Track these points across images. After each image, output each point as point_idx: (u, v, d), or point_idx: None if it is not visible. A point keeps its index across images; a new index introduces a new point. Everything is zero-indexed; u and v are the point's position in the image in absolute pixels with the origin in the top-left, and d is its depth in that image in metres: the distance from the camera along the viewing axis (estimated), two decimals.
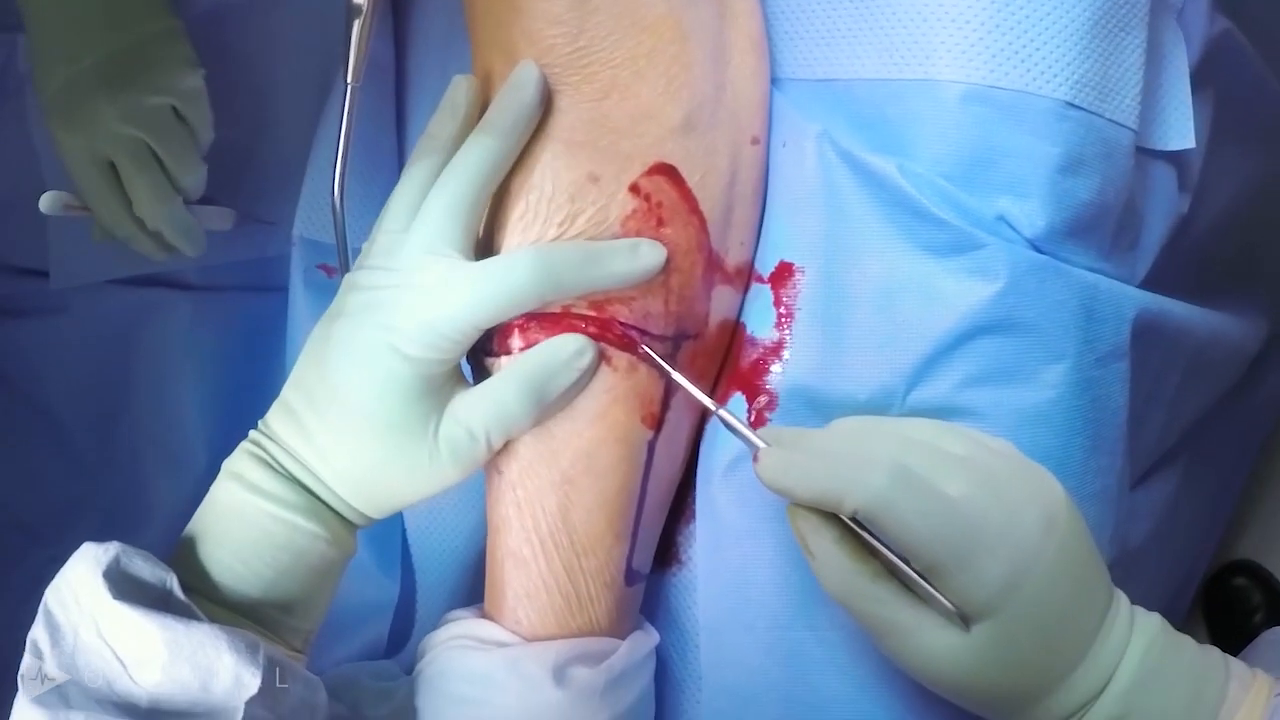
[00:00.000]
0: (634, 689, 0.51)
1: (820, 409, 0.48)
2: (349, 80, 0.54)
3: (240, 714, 0.42)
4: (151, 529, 0.56)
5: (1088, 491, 0.49)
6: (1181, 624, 0.91)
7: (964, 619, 0.40)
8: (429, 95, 0.60)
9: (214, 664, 0.42)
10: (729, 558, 0.51)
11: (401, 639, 0.62)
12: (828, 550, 0.42)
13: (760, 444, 0.44)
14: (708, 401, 0.47)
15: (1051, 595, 0.40)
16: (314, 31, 0.62)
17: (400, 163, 0.61)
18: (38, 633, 0.42)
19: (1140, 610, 0.43)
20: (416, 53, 0.60)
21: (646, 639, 0.52)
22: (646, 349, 0.49)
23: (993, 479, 0.41)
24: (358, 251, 0.50)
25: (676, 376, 0.48)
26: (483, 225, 0.49)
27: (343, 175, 0.55)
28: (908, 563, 0.41)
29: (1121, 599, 0.43)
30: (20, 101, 0.63)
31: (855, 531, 0.42)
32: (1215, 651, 0.43)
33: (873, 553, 0.42)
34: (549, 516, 0.49)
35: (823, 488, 0.41)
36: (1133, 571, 0.61)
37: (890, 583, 0.41)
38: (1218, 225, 0.62)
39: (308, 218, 0.60)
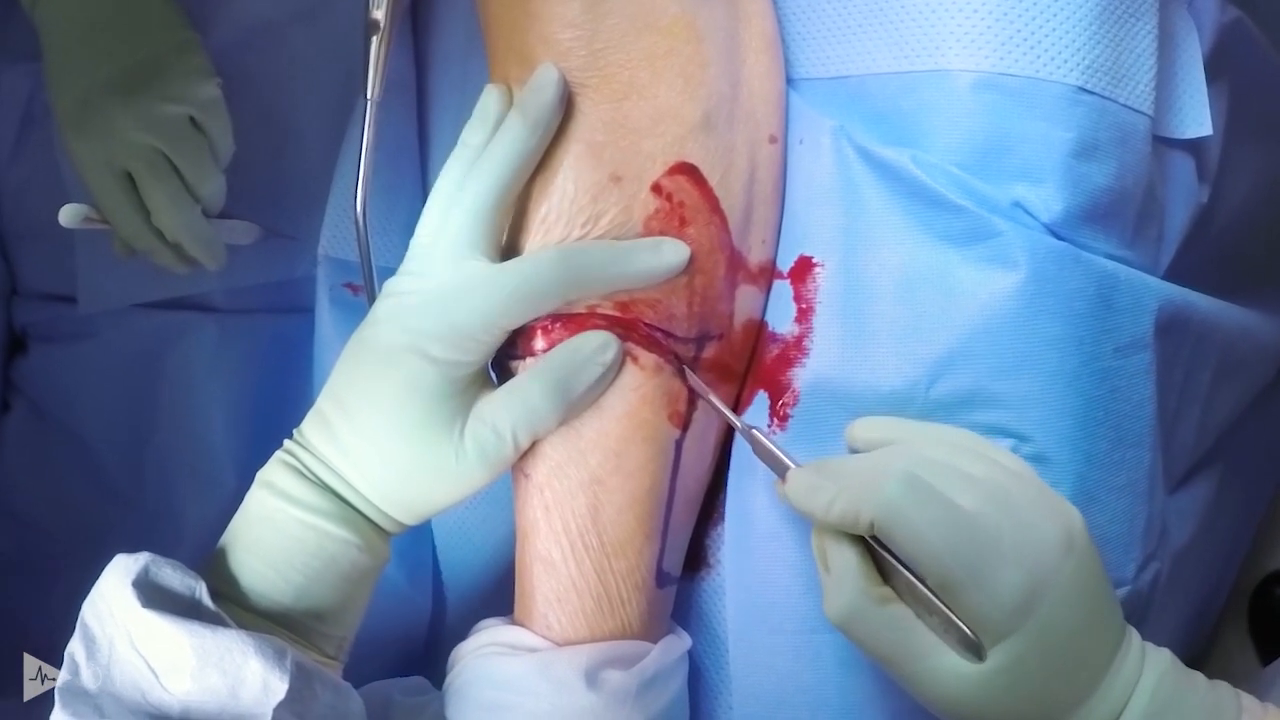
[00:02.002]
0: (667, 693, 0.51)
1: (843, 402, 0.49)
2: (369, 96, 0.56)
3: None
4: (181, 550, 0.57)
5: (1116, 483, 0.49)
6: (1225, 632, 0.91)
7: (977, 645, 0.40)
8: (450, 112, 0.62)
9: (241, 670, 0.43)
10: (757, 560, 0.52)
11: (432, 655, 0.63)
12: (843, 568, 0.43)
13: (791, 464, 0.45)
14: (737, 422, 0.49)
15: (1068, 619, 0.40)
16: (335, 52, 0.65)
17: (423, 180, 0.63)
18: (74, 646, 0.44)
19: (1150, 645, 0.43)
20: (436, 70, 0.62)
21: (679, 642, 0.53)
22: (687, 369, 0.50)
23: (1008, 498, 0.42)
24: (383, 269, 0.52)
25: (714, 401, 0.50)
26: (507, 229, 0.50)
27: (365, 192, 0.56)
28: (925, 583, 0.41)
29: (1133, 633, 0.43)
30: (47, 129, 0.65)
31: (875, 557, 0.43)
32: (1226, 686, 0.43)
33: (889, 578, 0.42)
34: (578, 518, 0.50)
35: (842, 508, 0.42)
36: (1178, 574, 0.61)
37: (900, 607, 0.42)
38: (1238, 220, 0.63)
39: (332, 236, 0.62)
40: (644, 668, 0.50)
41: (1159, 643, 0.70)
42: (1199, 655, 0.90)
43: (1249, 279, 0.66)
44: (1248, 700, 0.42)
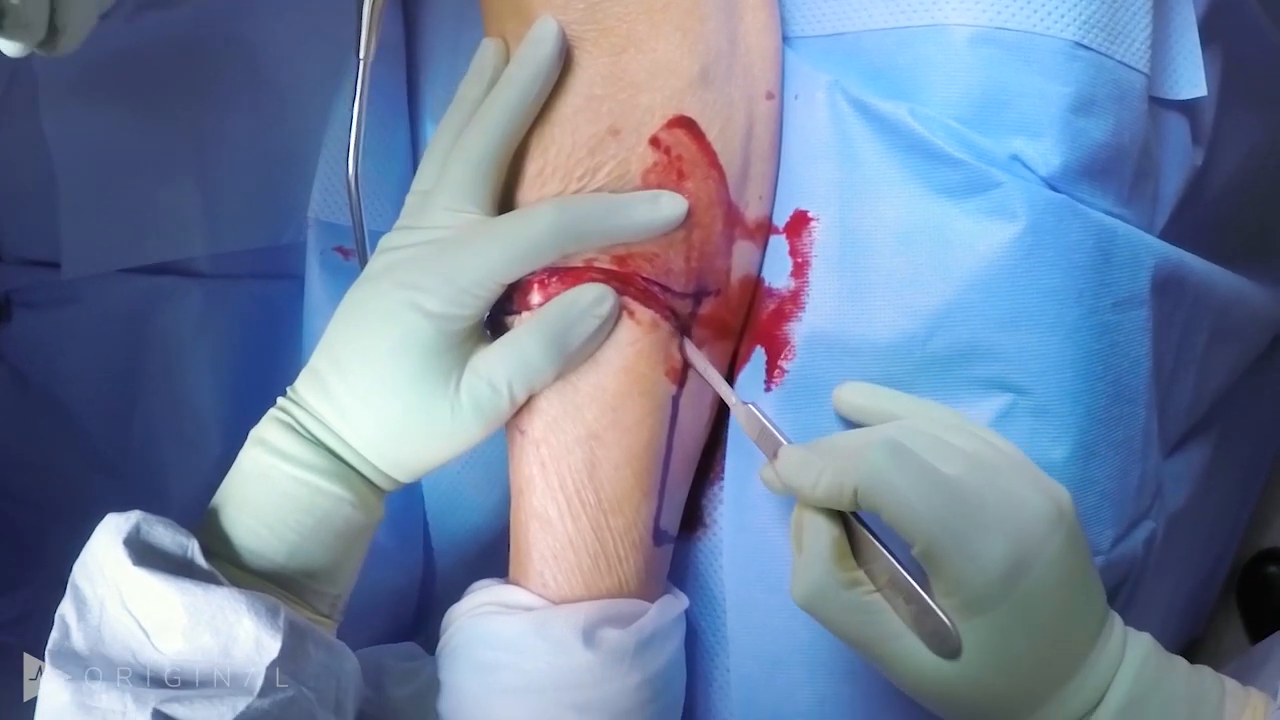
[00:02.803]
0: (665, 652, 0.52)
1: (840, 356, 0.50)
2: (361, 55, 0.56)
3: (261, 678, 0.43)
4: (167, 517, 0.57)
5: (1113, 439, 0.50)
6: (1215, 609, 0.93)
7: (953, 638, 0.40)
8: (441, 77, 0.62)
9: (234, 628, 0.44)
10: (755, 518, 0.53)
11: (422, 621, 0.63)
12: (815, 549, 0.43)
13: (784, 441, 0.46)
14: (732, 397, 0.49)
15: (1053, 594, 0.40)
16: (325, 15, 0.65)
17: (414, 145, 0.63)
18: (64, 608, 0.44)
19: (1132, 630, 0.44)
20: (427, 34, 0.63)
21: (676, 602, 0.54)
22: (685, 340, 0.51)
23: (995, 470, 0.42)
24: (373, 233, 0.52)
25: (702, 367, 0.50)
26: (504, 182, 0.51)
27: (357, 152, 0.56)
28: (906, 569, 0.41)
29: (1115, 617, 0.43)
30: (30, 94, 0.65)
31: (855, 544, 0.43)
32: (1208, 670, 0.44)
33: (869, 565, 0.42)
34: (575, 473, 0.50)
35: (829, 480, 0.42)
36: (1174, 539, 0.62)
37: (869, 592, 0.42)
38: (1232, 188, 0.65)
39: (323, 200, 0.62)
40: (641, 626, 0.50)
41: (1159, 614, 0.71)
42: (1200, 634, 0.91)
43: (1243, 249, 0.68)
44: (1231, 684, 0.43)
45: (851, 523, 0.44)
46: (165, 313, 0.66)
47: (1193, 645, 0.93)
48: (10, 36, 0.51)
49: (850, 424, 0.49)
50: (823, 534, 0.43)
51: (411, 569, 0.63)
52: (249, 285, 0.68)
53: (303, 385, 0.49)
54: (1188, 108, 0.55)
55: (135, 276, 0.66)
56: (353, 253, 0.61)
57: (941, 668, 0.41)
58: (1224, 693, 0.42)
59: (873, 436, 0.43)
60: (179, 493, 0.66)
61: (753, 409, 0.48)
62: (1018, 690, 0.41)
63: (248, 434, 0.49)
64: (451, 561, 0.63)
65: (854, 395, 0.48)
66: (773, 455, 0.46)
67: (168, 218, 0.65)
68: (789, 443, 0.46)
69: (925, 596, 0.41)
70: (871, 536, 0.43)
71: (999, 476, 0.42)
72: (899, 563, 0.42)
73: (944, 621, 0.40)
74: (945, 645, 0.40)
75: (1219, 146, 0.60)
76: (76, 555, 0.45)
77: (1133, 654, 0.42)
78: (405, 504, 0.62)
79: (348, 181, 0.57)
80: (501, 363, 0.48)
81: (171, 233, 0.65)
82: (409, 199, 0.50)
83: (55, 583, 0.45)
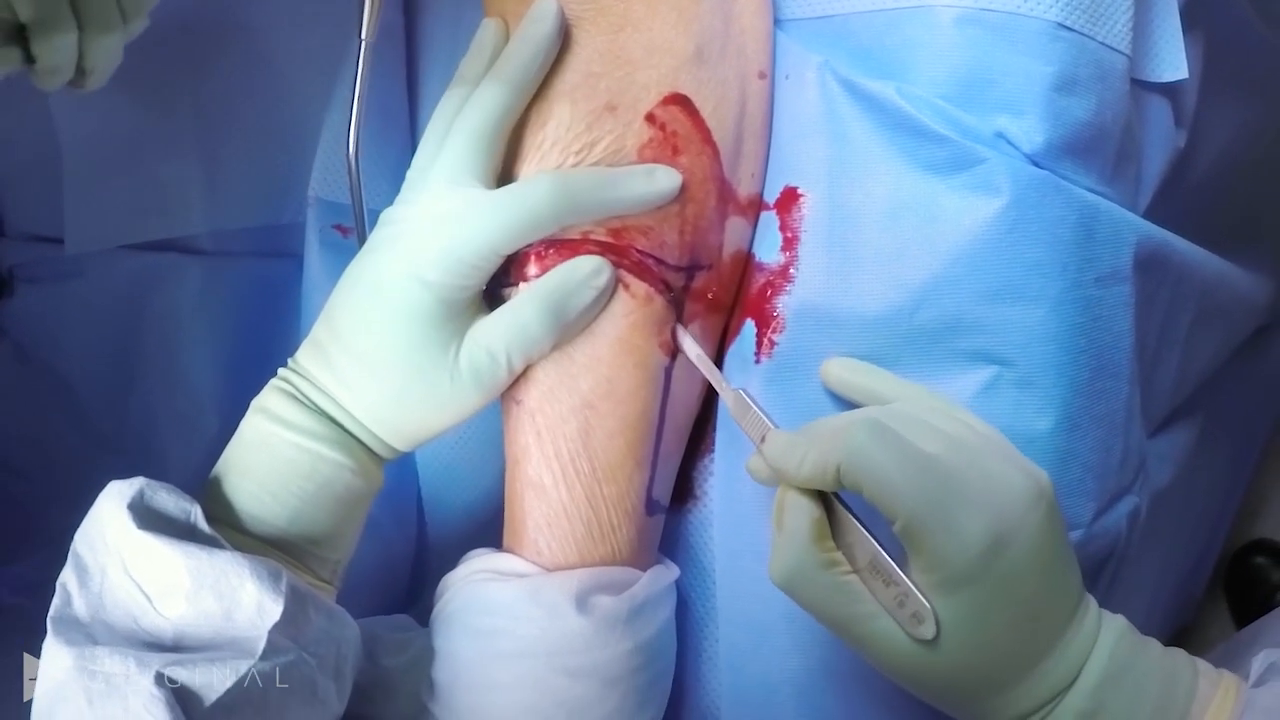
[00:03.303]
0: (656, 620, 0.53)
1: (829, 329, 0.51)
2: (363, 36, 0.57)
3: (263, 642, 0.44)
4: None
5: (1095, 412, 0.51)
6: (1203, 599, 0.94)
7: (931, 622, 0.41)
8: (440, 62, 0.63)
9: (237, 592, 0.44)
10: (745, 488, 0.54)
11: (415, 598, 0.64)
12: (794, 528, 0.43)
13: (772, 425, 0.47)
14: (724, 387, 0.51)
15: (1032, 572, 0.41)
16: (326, 2, 0.66)
17: (413, 124, 0.64)
18: (66, 575, 0.45)
19: (1106, 612, 0.44)
20: (427, 16, 0.64)
21: (667, 572, 0.55)
22: (679, 326, 0.53)
23: (976, 450, 0.43)
24: (372, 213, 0.54)
25: (695, 355, 0.52)
26: (503, 157, 0.52)
27: (358, 131, 0.58)
28: (886, 550, 0.42)
29: (1090, 600, 0.44)
30: None
31: (836, 527, 0.44)
32: (1181, 651, 0.45)
33: (850, 550, 0.43)
34: (569, 442, 0.51)
35: (814, 459, 0.43)
36: (1159, 518, 0.63)
37: (846, 573, 0.43)
38: (1216, 175, 0.66)
39: (323, 178, 0.63)
40: (634, 594, 0.52)
41: (1145, 597, 0.72)
42: (1189, 623, 0.92)
43: (1228, 236, 0.69)
44: (1203, 665, 0.44)
45: (834, 505, 0.44)
46: (165, 289, 0.68)
47: (1181, 634, 0.94)
48: (41, 79, 0.52)
49: (838, 399, 0.51)
50: (804, 514, 0.44)
51: (404, 545, 0.64)
52: (248, 263, 0.69)
53: (304, 355, 0.51)
54: (1170, 90, 0.57)
55: (137, 253, 0.68)
56: (351, 231, 0.63)
57: (919, 647, 0.41)
58: (1196, 673, 0.43)
59: (855, 417, 0.44)
60: (176, 468, 0.67)
61: (742, 394, 0.49)
62: (994, 667, 0.42)
63: (244, 412, 0.50)
64: (445, 538, 0.64)
65: (842, 370, 0.50)
66: (760, 442, 0.47)
67: (170, 195, 0.67)
68: (776, 428, 0.47)
69: (905, 579, 0.41)
70: (853, 518, 0.44)
71: (979, 456, 0.43)
72: (880, 545, 0.43)
73: (923, 604, 0.41)
74: (923, 629, 0.41)
75: (1201, 131, 0.61)
76: (75, 529, 0.45)
77: (1107, 634, 0.43)
78: (399, 480, 0.63)
79: (348, 159, 0.58)
80: (500, 332, 0.50)
81: (173, 210, 0.67)
82: (409, 175, 0.52)
83: (55, 556, 0.45)
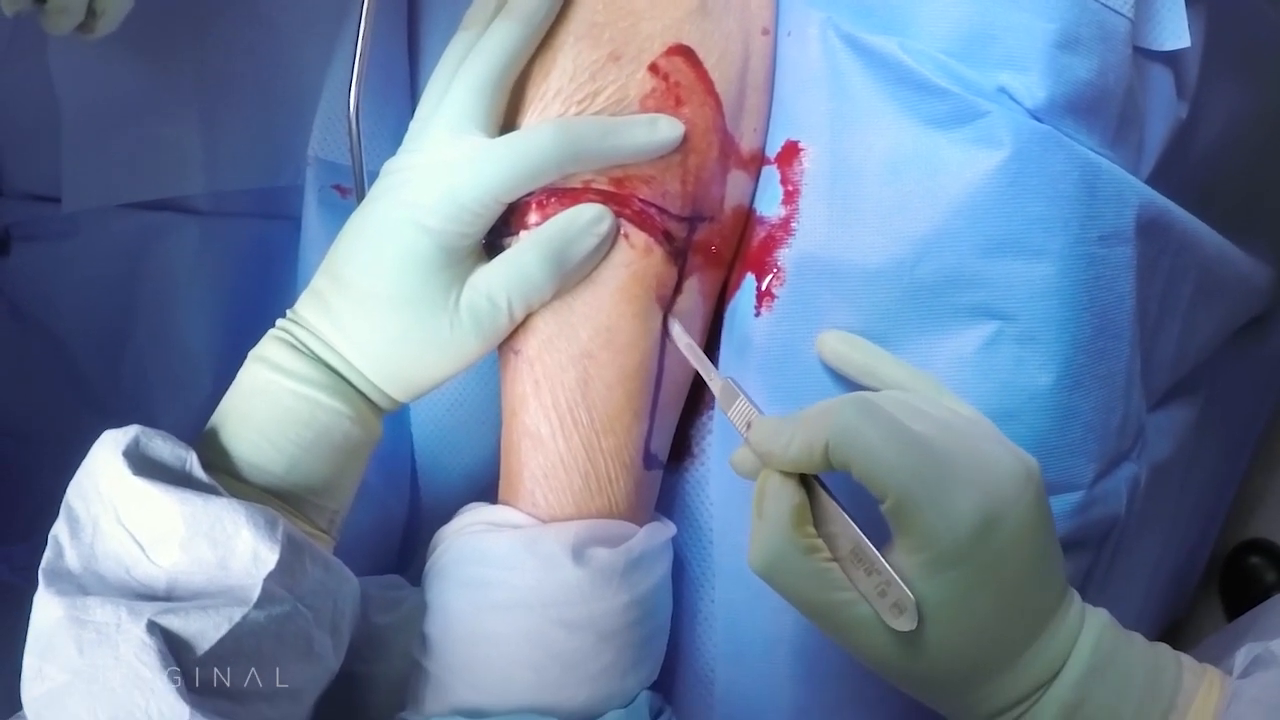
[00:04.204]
0: (652, 575, 0.53)
1: (829, 282, 0.52)
2: None
3: (258, 591, 0.44)
4: None
5: (1098, 371, 0.52)
6: (1197, 599, 0.94)
7: (913, 612, 0.40)
8: (442, 17, 0.64)
9: (232, 540, 0.44)
10: (742, 442, 0.54)
11: (407, 562, 0.64)
12: (776, 514, 0.43)
13: (760, 412, 0.47)
14: (713, 376, 0.51)
15: (1019, 553, 0.41)
16: None
17: (414, 84, 0.65)
18: (58, 528, 0.45)
19: (1089, 605, 0.44)
20: None
21: (664, 528, 0.55)
22: (671, 319, 0.53)
23: (964, 432, 0.43)
24: (372, 172, 0.54)
25: (685, 344, 0.52)
26: (506, 107, 0.52)
27: (359, 89, 0.58)
28: (868, 540, 0.42)
29: (1073, 592, 0.44)
30: (38, 32, 0.66)
31: (819, 515, 0.43)
32: (1165, 647, 0.45)
33: (832, 541, 0.42)
34: (568, 391, 0.51)
35: (801, 439, 0.42)
36: (1159, 489, 0.63)
37: (827, 560, 0.42)
38: (1219, 153, 0.67)
39: (323, 138, 0.63)
40: (630, 547, 0.52)
41: (1144, 577, 0.72)
42: (1183, 615, 0.92)
43: (1231, 223, 0.69)
44: (1188, 660, 0.44)
45: (817, 493, 0.44)
46: (161, 248, 0.68)
47: (1175, 628, 0.94)
48: (50, 21, 0.53)
49: (831, 372, 0.51)
50: (785, 500, 0.43)
51: (398, 509, 0.64)
52: (246, 224, 0.69)
53: (303, 304, 0.51)
54: (1172, 60, 0.57)
55: (133, 212, 0.68)
56: (350, 191, 0.63)
57: (900, 635, 0.41)
58: (1181, 666, 0.43)
59: (843, 397, 0.43)
60: (168, 429, 0.67)
61: (730, 383, 0.49)
62: (978, 654, 0.42)
63: (237, 374, 0.50)
64: (440, 504, 0.64)
65: (838, 343, 0.50)
66: (745, 430, 0.47)
67: (169, 155, 0.67)
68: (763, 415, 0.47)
69: (888, 568, 0.41)
70: (837, 505, 0.43)
71: (969, 438, 0.42)
72: (863, 533, 0.42)
73: (905, 594, 0.40)
74: (903, 619, 0.40)
75: (1204, 106, 0.62)
76: (62, 491, 0.45)
77: (1091, 626, 0.43)
78: (394, 444, 0.63)
79: (348, 117, 0.58)
80: (501, 278, 0.50)
81: (172, 169, 0.67)
82: (412, 125, 0.52)
83: (39, 518, 0.45)
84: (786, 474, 0.44)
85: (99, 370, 0.69)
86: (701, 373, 0.52)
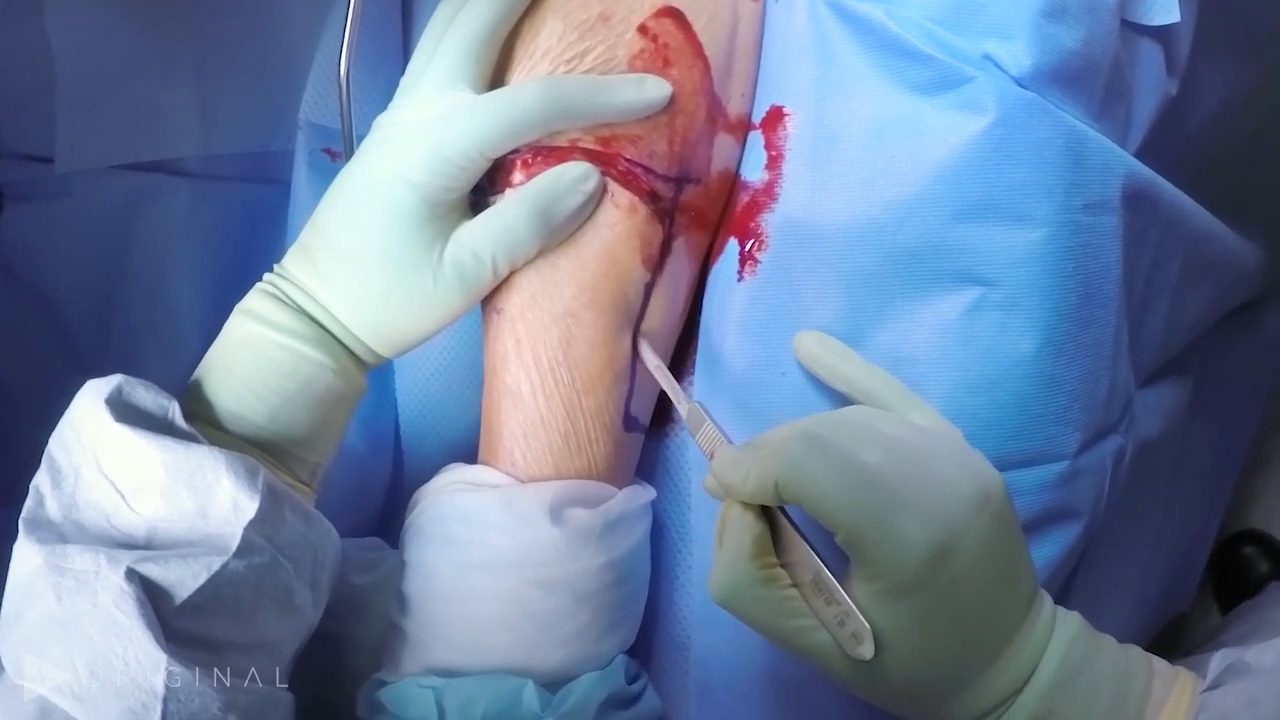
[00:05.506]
0: (630, 538, 0.53)
1: (810, 246, 0.52)
2: None
3: (238, 540, 0.44)
4: None
5: (1082, 340, 0.51)
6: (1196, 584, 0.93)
7: (883, 605, 0.40)
8: None
9: (213, 488, 0.45)
10: (723, 410, 0.54)
11: (388, 527, 0.64)
12: (735, 544, 0.43)
13: (726, 438, 0.47)
14: (681, 399, 0.51)
15: (977, 577, 0.41)
16: None
17: (406, 49, 0.65)
18: (39, 478, 0.45)
19: (1061, 610, 0.44)
20: None
21: (643, 491, 0.55)
22: (640, 341, 0.53)
23: (919, 455, 0.42)
24: (362, 135, 0.54)
25: (654, 365, 0.52)
26: (495, 65, 0.53)
27: (350, 52, 0.58)
28: (826, 565, 0.42)
29: (1045, 598, 0.44)
30: None
31: (780, 544, 0.43)
32: (1137, 650, 0.45)
33: (794, 570, 0.42)
34: (550, 350, 0.52)
35: (757, 474, 0.42)
36: (1148, 467, 0.63)
37: (784, 585, 0.42)
38: (1209, 134, 0.66)
39: (314, 102, 0.64)
40: (609, 509, 0.52)
41: (1137, 578, 0.72)
42: (1181, 613, 0.92)
43: (1222, 207, 0.69)
44: (1159, 664, 0.44)
45: (779, 521, 0.44)
46: (152, 210, 0.68)
47: (1176, 622, 0.93)
48: None
49: (807, 373, 0.51)
50: (746, 531, 0.43)
51: (380, 473, 0.65)
52: (237, 187, 0.70)
53: (289, 259, 0.51)
54: (1162, 36, 0.57)
55: (125, 173, 0.68)
56: (340, 155, 0.63)
57: (860, 661, 0.41)
58: (1151, 673, 0.43)
59: (795, 429, 0.43)
60: None
61: (698, 407, 0.49)
62: (940, 675, 0.42)
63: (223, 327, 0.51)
64: (422, 470, 0.64)
65: (814, 344, 0.50)
66: (711, 455, 0.47)
67: (162, 117, 0.67)
68: (729, 443, 0.47)
69: (846, 598, 0.41)
70: (798, 534, 0.43)
71: (923, 462, 0.42)
72: (824, 561, 0.42)
73: (863, 624, 0.41)
74: (862, 649, 0.41)
75: (1195, 85, 0.62)
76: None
77: (1060, 634, 0.43)
78: (377, 409, 0.64)
79: (339, 81, 0.59)
80: (485, 233, 0.50)
81: (165, 132, 0.67)
82: (403, 82, 0.53)
83: (24, 477, 0.45)
84: (747, 504, 0.44)
85: (88, 331, 0.70)
86: (670, 395, 0.52)
